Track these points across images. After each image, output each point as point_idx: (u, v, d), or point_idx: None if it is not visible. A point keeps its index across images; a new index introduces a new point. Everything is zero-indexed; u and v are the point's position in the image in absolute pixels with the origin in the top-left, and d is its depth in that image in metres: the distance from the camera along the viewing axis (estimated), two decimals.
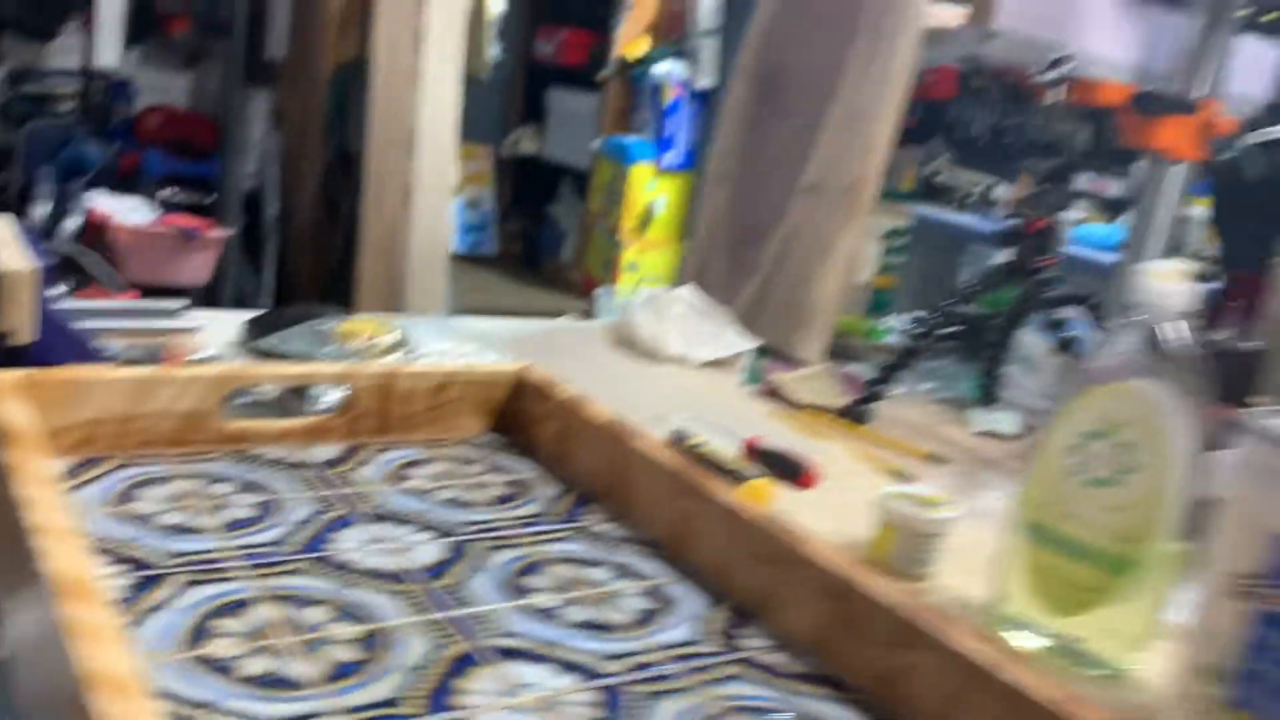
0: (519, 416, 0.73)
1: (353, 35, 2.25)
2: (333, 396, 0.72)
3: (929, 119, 3.96)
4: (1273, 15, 1.12)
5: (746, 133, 1.37)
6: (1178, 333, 0.60)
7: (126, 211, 1.93)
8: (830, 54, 1.25)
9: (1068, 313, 0.98)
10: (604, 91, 3.56)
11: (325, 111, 2.24)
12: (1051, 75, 0.98)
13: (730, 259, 1.35)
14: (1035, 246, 0.97)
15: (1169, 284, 0.61)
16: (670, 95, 3.42)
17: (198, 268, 1.96)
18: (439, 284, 2.14)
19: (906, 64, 1.20)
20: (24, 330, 0.70)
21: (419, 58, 2.03)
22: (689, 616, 0.54)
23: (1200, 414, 0.59)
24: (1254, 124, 1.27)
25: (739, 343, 1.22)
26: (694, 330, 1.19)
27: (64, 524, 0.42)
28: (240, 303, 2.21)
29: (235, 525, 0.55)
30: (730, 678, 0.49)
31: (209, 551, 0.52)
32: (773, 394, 1.11)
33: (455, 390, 0.71)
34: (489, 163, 3.95)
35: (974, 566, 0.67)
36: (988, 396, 1.16)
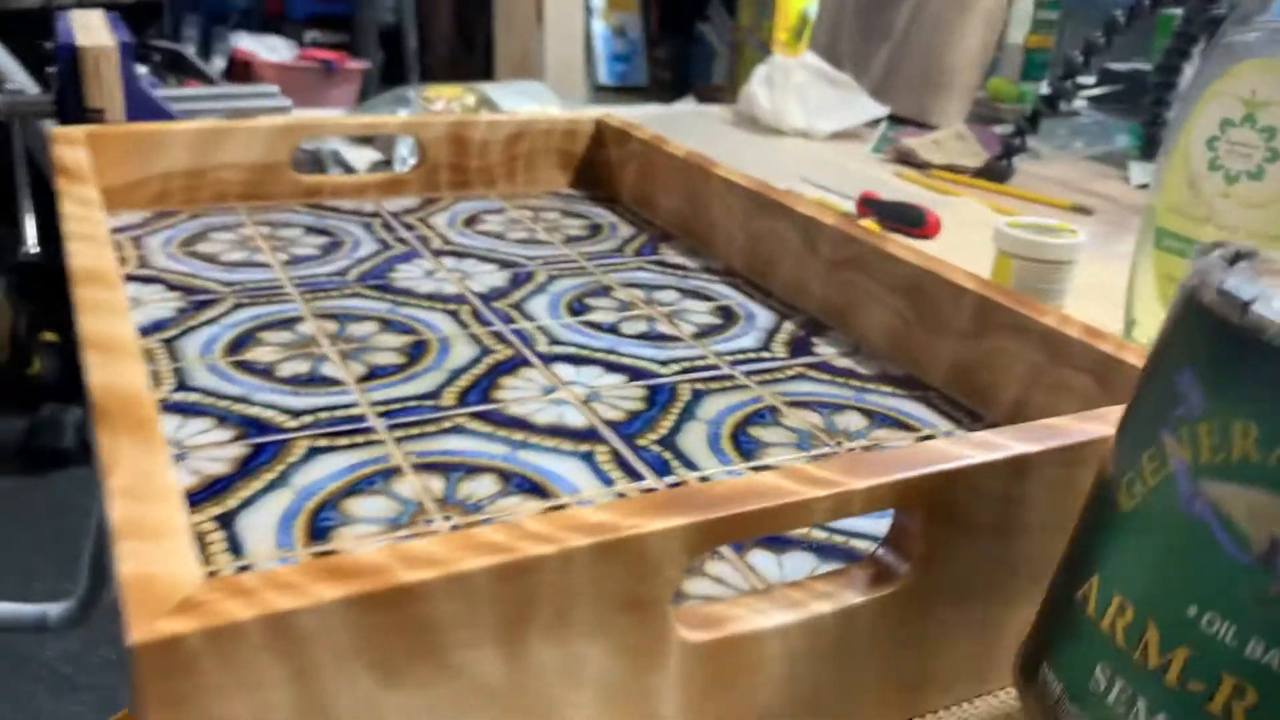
0: (600, 167, 0.70)
1: None
2: (413, 161, 0.71)
3: None
4: None
5: None
6: None
7: (269, 50, 1.97)
8: None
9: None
10: None
11: None
12: None
13: (861, 26, 1.25)
14: None
15: None
16: None
17: (340, 99, 2.00)
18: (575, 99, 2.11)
19: None
20: (114, 108, 0.71)
21: None
22: (758, 329, 0.50)
23: None
24: None
25: (868, 111, 1.14)
26: (817, 100, 1.12)
27: (99, 233, 0.42)
28: None
29: (297, 260, 0.55)
30: (797, 377, 0.46)
31: (266, 281, 0.52)
32: (903, 159, 1.04)
33: (531, 141, 0.68)
34: None
35: (1109, 303, 0.61)
36: (1150, 147, 1.05)
